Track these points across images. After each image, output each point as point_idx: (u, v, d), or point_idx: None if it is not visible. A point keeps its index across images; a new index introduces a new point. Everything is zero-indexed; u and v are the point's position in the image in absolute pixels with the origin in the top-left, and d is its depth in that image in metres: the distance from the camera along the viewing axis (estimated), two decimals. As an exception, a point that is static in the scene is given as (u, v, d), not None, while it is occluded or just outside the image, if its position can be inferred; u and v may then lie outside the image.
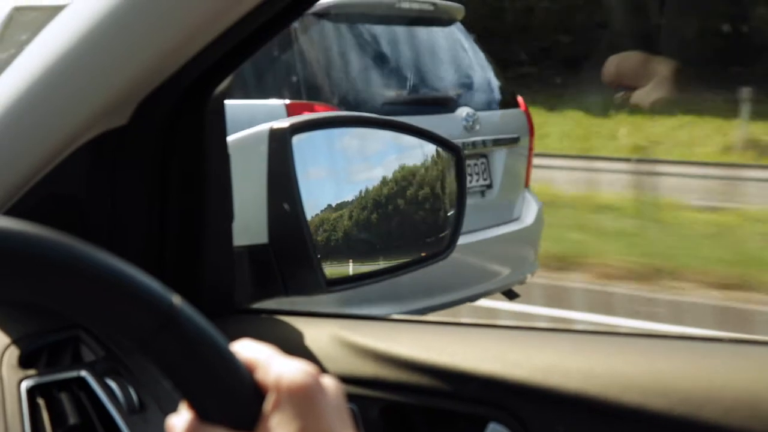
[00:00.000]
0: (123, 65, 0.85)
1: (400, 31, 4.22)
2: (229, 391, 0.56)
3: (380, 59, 4.10)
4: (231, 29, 0.84)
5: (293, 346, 0.91)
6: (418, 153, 1.17)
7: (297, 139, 1.01)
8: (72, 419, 0.82)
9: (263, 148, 1.00)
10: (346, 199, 1.10)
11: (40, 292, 0.53)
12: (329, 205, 1.08)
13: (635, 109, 3.40)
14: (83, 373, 0.86)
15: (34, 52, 0.88)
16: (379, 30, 4.13)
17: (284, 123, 1.01)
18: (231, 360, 0.56)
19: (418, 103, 4.08)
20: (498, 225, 4.17)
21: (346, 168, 1.14)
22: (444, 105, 4.10)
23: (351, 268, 1.11)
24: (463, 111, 4.06)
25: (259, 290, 1.03)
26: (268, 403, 0.55)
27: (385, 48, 4.15)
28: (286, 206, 1.00)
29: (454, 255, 1.17)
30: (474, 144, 4.05)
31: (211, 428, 0.56)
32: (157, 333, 0.54)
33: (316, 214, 1.06)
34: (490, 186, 4.17)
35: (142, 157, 0.93)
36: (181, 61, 0.86)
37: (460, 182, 1.18)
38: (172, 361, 0.55)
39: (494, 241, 4.10)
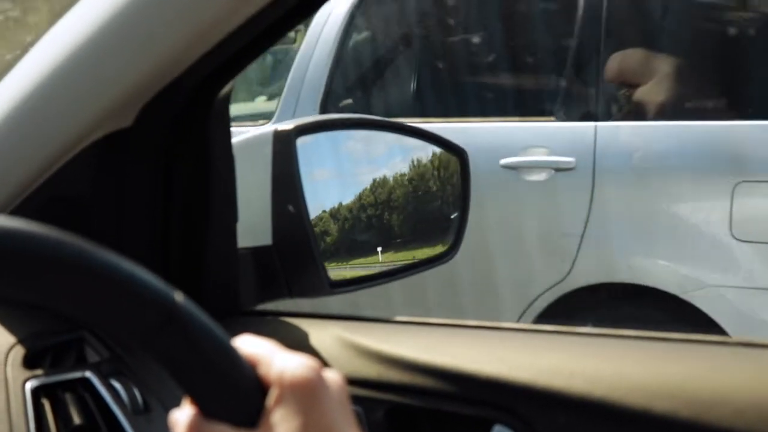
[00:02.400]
0: (128, 67, 0.85)
1: None
2: (231, 386, 0.56)
3: None
4: (236, 32, 0.84)
5: (297, 347, 0.91)
6: (423, 155, 1.17)
7: (301, 141, 1.01)
8: (76, 420, 0.82)
9: (267, 150, 1.00)
10: (350, 201, 1.10)
11: (40, 291, 0.53)
12: (333, 207, 1.08)
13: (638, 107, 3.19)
14: (88, 374, 0.86)
15: (39, 53, 0.88)
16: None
17: (288, 125, 1.02)
18: (233, 356, 0.56)
19: None
20: None
21: (350, 170, 1.14)
22: None
23: (355, 271, 1.11)
24: None
25: (263, 292, 1.03)
26: (271, 399, 0.55)
27: None
28: (290, 208, 1.00)
29: None
30: None
31: (213, 424, 0.56)
32: (160, 330, 0.54)
33: (321, 216, 1.06)
34: None
35: (146, 159, 0.93)
36: (186, 63, 0.86)
37: (465, 185, 1.19)
38: (174, 357, 0.55)
39: None
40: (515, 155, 2.99)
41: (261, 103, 4.53)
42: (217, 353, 0.56)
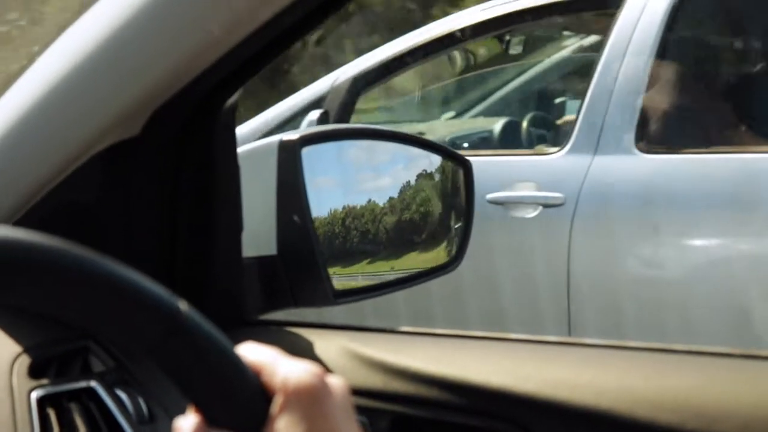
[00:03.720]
0: (135, 77, 0.85)
1: None
2: (235, 394, 0.56)
3: None
4: (243, 43, 0.84)
5: (302, 357, 0.91)
6: (427, 165, 1.18)
7: (306, 151, 1.02)
8: (82, 430, 0.82)
9: (273, 160, 1.00)
10: (354, 212, 1.10)
11: (43, 300, 0.53)
12: (338, 217, 1.08)
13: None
14: (93, 384, 0.86)
15: (46, 63, 0.88)
16: None
17: (294, 135, 1.02)
18: (237, 363, 0.56)
19: None
20: None
21: (355, 180, 1.15)
22: None
23: (359, 280, 1.11)
24: None
25: (268, 302, 1.03)
26: (275, 406, 0.56)
27: None
28: (295, 218, 1.00)
29: None
30: None
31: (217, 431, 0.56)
32: (165, 339, 0.54)
33: (325, 226, 1.06)
34: None
35: (153, 168, 0.93)
36: (194, 73, 0.86)
37: (468, 194, 1.19)
38: (178, 365, 0.55)
39: None
40: None
41: (451, 121, 3.84)
42: (220, 361, 0.56)
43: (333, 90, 3.12)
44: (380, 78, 3.22)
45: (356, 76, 3.14)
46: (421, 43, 3.11)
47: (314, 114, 3.07)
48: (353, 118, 3.17)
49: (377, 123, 3.50)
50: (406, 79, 3.62)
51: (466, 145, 3.35)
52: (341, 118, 3.06)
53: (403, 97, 3.89)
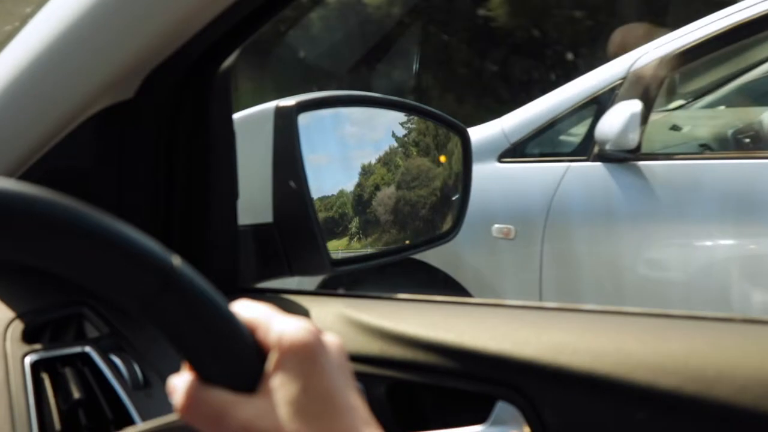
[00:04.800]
0: (130, 38, 0.84)
1: None
2: (230, 351, 0.55)
3: None
4: (238, 3, 0.83)
5: None
6: (425, 134, 1.17)
7: (303, 118, 1.01)
8: (76, 394, 0.81)
9: (269, 126, 0.99)
10: (352, 179, 1.10)
11: (38, 252, 0.52)
12: (335, 185, 1.08)
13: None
14: (87, 349, 0.85)
15: (39, 25, 0.87)
16: None
17: (290, 101, 1.01)
18: (232, 320, 0.56)
19: None
20: None
21: (352, 148, 1.14)
22: None
23: (356, 249, 1.10)
24: None
25: (263, 269, 1.02)
26: (270, 363, 0.55)
27: None
28: (291, 185, 0.99)
29: None
30: None
31: (212, 389, 0.55)
32: (159, 294, 0.53)
33: (322, 194, 1.05)
34: None
35: (148, 132, 0.92)
36: (188, 35, 0.85)
37: (466, 164, 1.18)
38: (173, 322, 0.54)
39: None
40: None
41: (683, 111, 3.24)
42: (215, 317, 0.55)
43: (632, 74, 2.71)
44: (693, 60, 2.77)
45: (664, 57, 2.69)
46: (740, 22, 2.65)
47: (634, 105, 2.63)
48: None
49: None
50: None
51: (747, 141, 2.85)
52: (646, 105, 2.64)
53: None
